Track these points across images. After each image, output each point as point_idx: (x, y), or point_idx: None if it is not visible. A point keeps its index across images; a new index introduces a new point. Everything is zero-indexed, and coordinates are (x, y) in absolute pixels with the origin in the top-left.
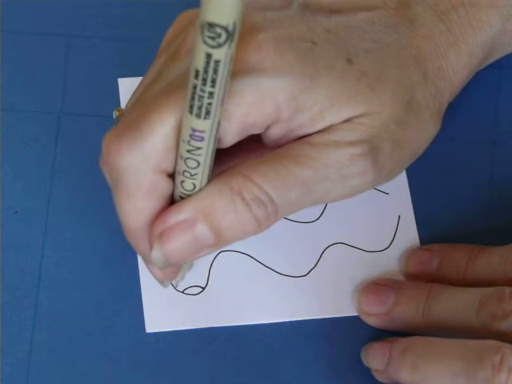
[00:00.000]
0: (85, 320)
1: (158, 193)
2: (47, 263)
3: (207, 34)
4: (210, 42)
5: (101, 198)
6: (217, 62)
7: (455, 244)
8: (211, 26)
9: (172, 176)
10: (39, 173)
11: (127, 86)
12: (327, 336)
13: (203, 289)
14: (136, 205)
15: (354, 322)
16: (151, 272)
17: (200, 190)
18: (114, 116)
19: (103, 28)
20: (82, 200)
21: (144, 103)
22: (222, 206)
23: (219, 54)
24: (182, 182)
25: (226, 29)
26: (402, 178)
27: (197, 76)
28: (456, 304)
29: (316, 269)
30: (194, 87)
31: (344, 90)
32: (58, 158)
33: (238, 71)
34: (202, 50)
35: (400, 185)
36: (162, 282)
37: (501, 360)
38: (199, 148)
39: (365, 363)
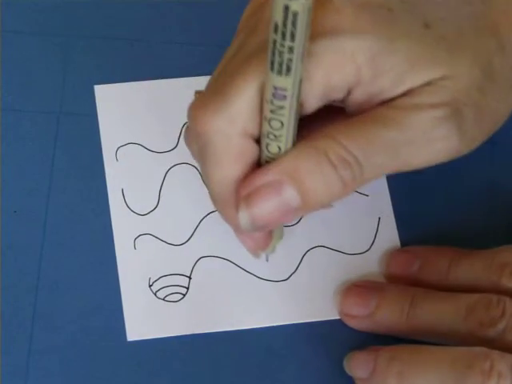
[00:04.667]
0: (84, 320)
1: (245, 157)
2: (47, 263)
3: None
4: None
5: (100, 197)
6: (295, 14)
7: (437, 247)
8: None
9: (258, 141)
10: (39, 173)
11: (104, 94)
12: (327, 337)
13: (184, 295)
14: (223, 170)
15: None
16: (243, 242)
17: (285, 152)
18: (195, 97)
19: (103, 28)
20: (82, 200)
21: (226, 72)
22: (308, 167)
23: (297, 5)
24: (268, 144)
25: None
26: (382, 179)
27: (276, 30)
28: (442, 310)
29: (297, 273)
30: (274, 42)
31: (423, 53)
32: (58, 157)
33: (316, 33)
34: (279, 2)
35: (380, 186)
36: (254, 252)
37: (490, 366)
38: (282, 107)
39: (348, 372)
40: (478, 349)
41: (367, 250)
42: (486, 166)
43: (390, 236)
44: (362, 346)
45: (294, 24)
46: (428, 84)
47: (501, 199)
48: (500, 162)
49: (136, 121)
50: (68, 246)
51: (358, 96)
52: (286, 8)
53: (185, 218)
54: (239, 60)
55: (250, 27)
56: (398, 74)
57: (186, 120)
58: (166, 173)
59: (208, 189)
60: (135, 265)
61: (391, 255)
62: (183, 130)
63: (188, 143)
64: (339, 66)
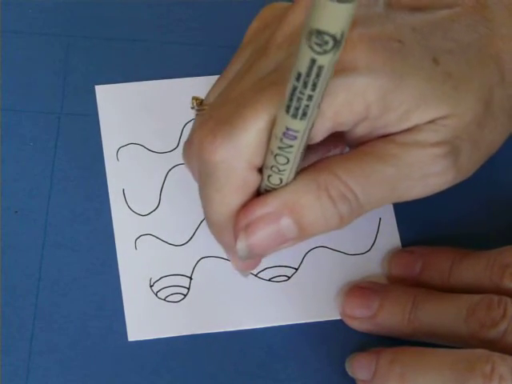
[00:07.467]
0: (85, 320)
1: (248, 188)
2: (47, 263)
3: (314, 40)
4: (316, 48)
5: (101, 198)
6: (320, 67)
7: (439, 247)
8: (319, 33)
9: (260, 170)
10: (39, 173)
11: (105, 94)
12: (328, 338)
13: (185, 296)
14: (224, 199)
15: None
16: (233, 263)
17: (286, 184)
18: (192, 104)
19: (103, 28)
20: (82, 200)
21: (235, 98)
22: (308, 201)
23: (324, 60)
24: (269, 176)
25: (334, 37)
26: None
27: (298, 79)
28: (443, 311)
29: (298, 273)
30: (294, 89)
31: (430, 91)
32: (58, 157)
33: None
34: (306, 54)
35: None
36: (243, 273)
37: (491, 369)
38: (291, 146)
39: (350, 374)
40: (479, 351)
41: (368, 251)
42: (486, 166)
43: (391, 236)
44: (364, 348)
45: (317, 76)
46: (432, 122)
47: (502, 199)
48: (501, 162)
49: (137, 121)
50: (69, 246)
51: (362, 129)
52: (313, 61)
53: (186, 218)
54: (247, 86)
55: (259, 44)
56: (404, 111)
57: (186, 120)
58: (167, 173)
59: (204, 211)
60: (136, 265)
61: (393, 256)
62: (183, 145)
63: (188, 160)
64: (350, 104)
